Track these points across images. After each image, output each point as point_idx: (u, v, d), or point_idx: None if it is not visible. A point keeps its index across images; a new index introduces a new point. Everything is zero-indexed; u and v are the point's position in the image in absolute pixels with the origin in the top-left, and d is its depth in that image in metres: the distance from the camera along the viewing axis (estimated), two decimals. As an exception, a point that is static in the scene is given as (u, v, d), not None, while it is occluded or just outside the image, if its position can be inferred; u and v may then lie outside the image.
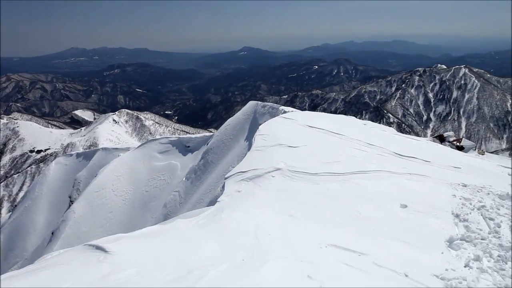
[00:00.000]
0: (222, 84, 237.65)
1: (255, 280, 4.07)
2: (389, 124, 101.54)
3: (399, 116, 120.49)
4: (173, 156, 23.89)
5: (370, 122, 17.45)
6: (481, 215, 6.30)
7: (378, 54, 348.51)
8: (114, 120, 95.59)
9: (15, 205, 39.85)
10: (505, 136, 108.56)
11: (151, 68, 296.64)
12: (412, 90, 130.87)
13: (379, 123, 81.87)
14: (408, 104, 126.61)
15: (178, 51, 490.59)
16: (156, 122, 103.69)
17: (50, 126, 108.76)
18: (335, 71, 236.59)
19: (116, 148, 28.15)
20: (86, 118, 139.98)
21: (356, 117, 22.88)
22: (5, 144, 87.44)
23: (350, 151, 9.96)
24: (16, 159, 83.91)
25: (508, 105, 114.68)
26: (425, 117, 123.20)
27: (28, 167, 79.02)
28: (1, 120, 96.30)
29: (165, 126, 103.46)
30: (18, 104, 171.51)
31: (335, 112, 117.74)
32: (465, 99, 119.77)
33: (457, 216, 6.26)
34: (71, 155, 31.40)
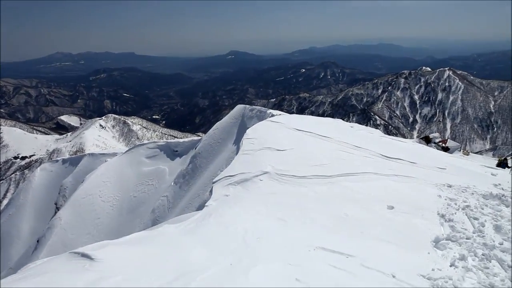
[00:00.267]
0: (209, 88, 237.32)
1: (243, 284, 4.06)
2: (376, 126, 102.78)
3: (386, 118, 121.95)
4: (161, 161, 23.72)
5: (357, 124, 17.63)
6: (466, 214, 6.40)
7: (364, 57, 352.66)
8: (100, 125, 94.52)
9: (-1, 213, 38.97)
10: (488, 136, 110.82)
11: (138, 72, 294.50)
12: (398, 93, 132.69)
13: (366, 125, 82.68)
14: (395, 106, 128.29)
15: (165, 55, 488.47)
16: (144, 127, 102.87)
17: (35, 132, 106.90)
18: (322, 74, 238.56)
19: (103, 154, 27.84)
20: (72, 124, 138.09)
21: (343, 119, 23.06)
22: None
23: (337, 154, 10.03)
24: (0, 166, 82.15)
25: (491, 106, 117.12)
26: (411, 119, 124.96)
27: (12, 174, 77.43)
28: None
29: (153, 130, 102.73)
30: (2, 110, 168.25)
31: (322, 115, 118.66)
32: (449, 101, 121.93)
33: (442, 216, 6.35)
34: (57, 161, 30.93)
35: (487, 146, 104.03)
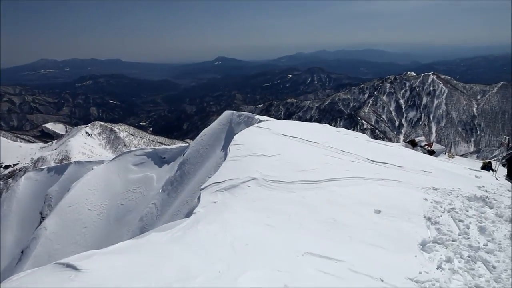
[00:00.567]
0: (197, 94, 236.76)
1: (232, 292, 4.03)
2: (363, 130, 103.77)
3: (373, 123, 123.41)
4: (148, 168, 23.51)
5: (343, 129, 17.79)
6: (451, 217, 6.51)
7: (350, 63, 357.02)
8: (87, 132, 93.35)
9: (-18, 224, 38.02)
10: (472, 139, 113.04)
11: (124, 79, 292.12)
12: (384, 97, 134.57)
13: (354, 129, 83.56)
14: (381, 110, 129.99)
15: (151, 62, 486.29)
16: (131, 134, 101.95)
17: (19, 140, 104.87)
18: (309, 79, 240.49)
19: (90, 161, 27.47)
20: (58, 131, 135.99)
21: (330, 124, 23.26)
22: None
23: (324, 159, 10.09)
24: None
25: (474, 109, 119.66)
26: (397, 123, 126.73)
27: (-5, 183, 75.68)
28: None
29: (140, 137, 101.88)
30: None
31: (310, 120, 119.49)
32: (434, 105, 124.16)
33: (429, 219, 6.43)
34: (42, 169, 30.39)
35: (471, 149, 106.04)
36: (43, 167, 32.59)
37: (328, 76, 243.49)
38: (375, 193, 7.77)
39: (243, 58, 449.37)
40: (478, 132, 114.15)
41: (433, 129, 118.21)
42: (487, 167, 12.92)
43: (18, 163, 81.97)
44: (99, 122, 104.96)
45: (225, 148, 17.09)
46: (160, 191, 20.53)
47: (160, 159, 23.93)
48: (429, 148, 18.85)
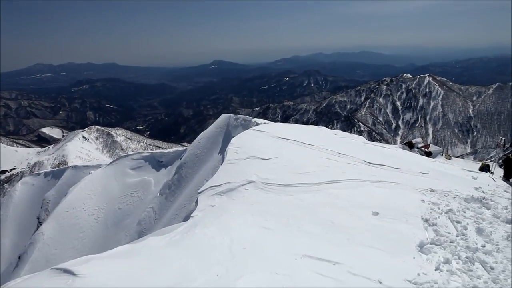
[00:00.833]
0: (194, 98, 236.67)
1: (230, 295, 4.02)
2: (360, 132, 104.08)
3: (369, 125, 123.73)
4: (146, 172, 23.47)
5: (340, 131, 17.82)
6: (449, 218, 6.52)
7: (346, 65, 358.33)
8: (83, 137, 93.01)
9: (-22, 230, 37.77)
10: (469, 140, 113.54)
11: (121, 83, 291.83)
12: (381, 99, 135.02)
13: (351, 132, 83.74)
14: (378, 112, 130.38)
15: (148, 66, 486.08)
16: (128, 138, 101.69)
17: (15, 145, 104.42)
18: (306, 82, 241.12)
19: (87, 166, 27.40)
20: (54, 136, 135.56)
21: (327, 127, 23.31)
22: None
23: (321, 161, 10.10)
24: (-21, 181, 79.81)
25: (470, 111, 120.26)
26: (394, 125, 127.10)
27: (-9, 188, 75.24)
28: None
29: (137, 141, 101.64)
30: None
31: (307, 123, 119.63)
32: (430, 107, 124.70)
33: (426, 220, 6.44)
34: (39, 174, 30.28)
35: (468, 150, 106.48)
36: (40, 171, 32.46)
37: (325, 78, 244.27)
38: (373, 195, 7.78)
39: (239, 61, 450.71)
40: (475, 133, 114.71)
41: (430, 131, 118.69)
42: (485, 169, 12.96)
43: (14, 168, 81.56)
44: (96, 126, 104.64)
45: (223, 151, 17.08)
46: (158, 195, 20.49)
47: (157, 163, 23.90)
48: (426, 149, 18.90)
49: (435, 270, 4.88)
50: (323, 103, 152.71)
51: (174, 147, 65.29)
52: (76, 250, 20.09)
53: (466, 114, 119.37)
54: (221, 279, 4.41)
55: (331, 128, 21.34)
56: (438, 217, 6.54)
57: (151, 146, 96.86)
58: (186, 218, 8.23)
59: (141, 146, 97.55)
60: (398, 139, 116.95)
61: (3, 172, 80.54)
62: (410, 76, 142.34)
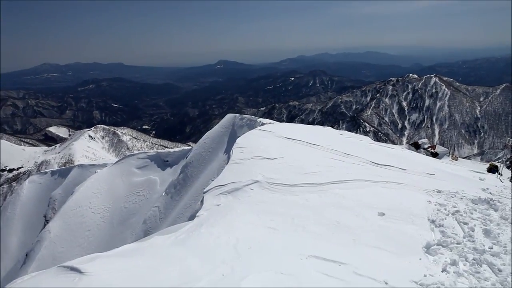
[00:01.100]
0: (199, 98, 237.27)
1: (235, 295, 4.02)
2: (365, 133, 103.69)
3: (375, 125, 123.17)
4: (152, 171, 23.55)
5: (346, 132, 17.76)
6: (456, 220, 6.47)
7: (352, 65, 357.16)
8: (90, 136, 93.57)
9: (-14, 228, 38.14)
10: (476, 141, 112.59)
11: (127, 82, 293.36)
12: (387, 100, 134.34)
13: (356, 132, 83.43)
14: (383, 113, 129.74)
15: (154, 65, 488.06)
16: (134, 137, 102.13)
17: (22, 144, 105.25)
18: (311, 82, 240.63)
19: (93, 165, 27.54)
20: (61, 135, 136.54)
21: (333, 127, 23.22)
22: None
23: (327, 162, 10.07)
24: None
25: (477, 111, 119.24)
26: (400, 125, 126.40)
27: (-1, 187, 75.94)
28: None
29: (143, 141, 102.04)
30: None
31: (312, 123, 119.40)
32: (437, 107, 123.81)
33: (433, 222, 6.39)
34: (46, 173, 30.49)
35: (475, 151, 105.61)
36: (46, 170, 32.71)
37: (330, 78, 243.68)
38: (379, 195, 7.74)
39: (245, 61, 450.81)
40: (482, 134, 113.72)
41: (436, 131, 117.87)
42: (493, 170, 12.84)
43: (22, 167, 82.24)
44: (102, 125, 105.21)
45: (228, 151, 17.11)
46: (163, 194, 20.56)
47: (163, 162, 23.97)
48: (432, 150, 18.78)
49: (442, 271, 4.84)
50: (329, 103, 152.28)
51: (179, 146, 65.48)
52: (83, 248, 20.22)
53: (473, 115, 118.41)
54: (226, 279, 4.41)
55: (337, 129, 21.29)
56: (445, 218, 6.49)
57: (156, 146, 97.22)
58: (191, 218, 8.26)
59: (146, 145, 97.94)
60: (404, 139, 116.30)
61: (11, 170, 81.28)
62: (416, 77, 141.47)
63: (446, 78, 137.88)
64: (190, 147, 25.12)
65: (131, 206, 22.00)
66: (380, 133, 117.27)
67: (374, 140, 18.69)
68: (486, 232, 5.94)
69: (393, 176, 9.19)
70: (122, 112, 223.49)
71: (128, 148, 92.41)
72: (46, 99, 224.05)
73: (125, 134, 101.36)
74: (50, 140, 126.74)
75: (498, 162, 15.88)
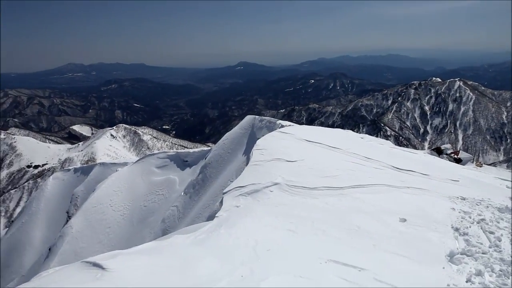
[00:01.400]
0: (219, 99, 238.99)
1: (254, 297, 4.02)
2: (386, 137, 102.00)
3: (396, 129, 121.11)
4: (171, 171, 23.79)
5: (367, 135, 17.50)
6: (481, 228, 6.27)
7: (373, 68, 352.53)
8: (111, 135, 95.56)
9: (12, 221, 39.48)
10: (502, 148, 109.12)
11: (148, 83, 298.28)
12: (408, 103, 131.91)
13: (376, 136, 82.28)
14: (405, 117, 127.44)
15: (175, 66, 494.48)
16: (154, 137, 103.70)
17: (47, 141, 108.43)
18: (332, 85, 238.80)
19: (114, 163, 28.04)
20: (84, 133, 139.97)
21: (353, 130, 22.96)
22: (2, 160, 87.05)
23: (348, 165, 9.96)
24: (13, 175, 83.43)
25: (504, 117, 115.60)
26: (422, 130, 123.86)
27: (25, 182, 78.47)
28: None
29: (163, 140, 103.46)
30: (16, 120, 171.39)
31: (332, 126, 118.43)
32: (461, 112, 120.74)
33: (457, 229, 6.23)
34: (69, 170, 31.23)
35: (501, 158, 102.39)
36: (70, 167, 33.51)
37: (351, 81, 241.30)
38: (400, 201, 7.60)
39: (265, 63, 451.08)
40: (508, 140, 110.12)
41: (460, 137, 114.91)
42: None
43: (46, 163, 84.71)
44: (124, 125, 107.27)
45: (247, 152, 17.15)
46: (182, 193, 20.74)
47: (182, 162, 24.19)
48: (455, 156, 18.30)
49: (466, 282, 4.70)
50: (349, 106, 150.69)
51: (199, 147, 66.07)
52: (103, 244, 20.61)
53: (499, 120, 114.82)
54: (245, 280, 4.41)
55: (357, 132, 21.02)
56: (470, 227, 6.31)
57: (176, 146, 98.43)
58: (209, 218, 8.31)
59: (166, 145, 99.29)
60: (426, 144, 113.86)
61: (36, 167, 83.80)
62: (440, 80, 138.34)
63: (470, 82, 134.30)
64: (209, 148, 25.29)
65: (150, 205, 22.29)
66: (401, 138, 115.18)
67: (395, 145, 18.36)
68: (514, 242, 5.74)
69: (415, 182, 9.01)
70: (143, 112, 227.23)
71: (148, 148, 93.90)
72: (71, 98, 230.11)
73: (146, 134, 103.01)
74: (74, 138, 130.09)
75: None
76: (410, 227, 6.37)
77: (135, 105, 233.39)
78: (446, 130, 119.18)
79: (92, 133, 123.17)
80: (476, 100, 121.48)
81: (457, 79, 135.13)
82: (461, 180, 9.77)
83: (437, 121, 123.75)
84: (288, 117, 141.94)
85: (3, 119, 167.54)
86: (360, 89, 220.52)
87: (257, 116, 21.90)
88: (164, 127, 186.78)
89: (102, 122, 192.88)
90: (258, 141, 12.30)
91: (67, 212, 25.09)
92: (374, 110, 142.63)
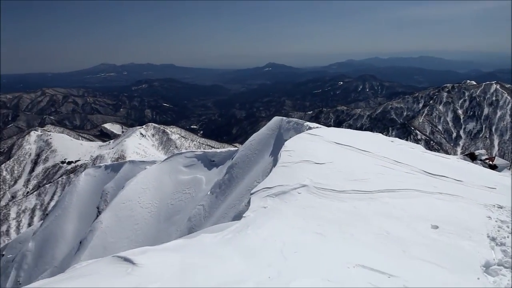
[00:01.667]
0: (247, 100, 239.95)
1: (282, 298, 4.00)
2: (416, 141, 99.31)
3: (427, 133, 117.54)
4: (198, 170, 24.07)
5: (397, 139, 17.08)
6: (520, 239, 6.00)
7: (404, 70, 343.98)
8: (141, 133, 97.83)
9: (47, 214, 41.11)
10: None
11: (177, 83, 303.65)
12: (440, 107, 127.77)
13: (406, 140, 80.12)
14: (437, 121, 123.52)
15: (203, 67, 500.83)
16: (182, 136, 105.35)
17: (80, 139, 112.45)
18: (361, 87, 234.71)
19: (143, 161, 28.66)
20: (115, 131, 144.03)
21: (382, 133, 22.46)
22: (38, 155, 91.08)
23: (377, 169, 9.76)
24: (49, 170, 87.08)
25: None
26: (454, 134, 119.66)
27: (59, 177, 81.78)
28: (36, 132, 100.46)
29: (191, 140, 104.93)
30: (52, 117, 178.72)
31: (360, 129, 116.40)
32: (497, 116, 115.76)
33: (493, 239, 5.97)
34: (100, 166, 32.18)
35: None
36: (101, 164, 34.56)
37: (381, 84, 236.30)
38: (432, 207, 7.37)
39: (293, 64, 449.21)
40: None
41: (495, 142, 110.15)
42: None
43: (79, 160, 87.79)
44: (153, 124, 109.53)
45: (274, 154, 17.12)
46: (209, 193, 20.94)
47: (209, 162, 24.43)
48: (490, 162, 17.57)
49: (503, 293, 4.51)
50: (378, 109, 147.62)
51: (226, 147, 66.58)
52: (130, 240, 21.12)
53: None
54: (273, 281, 4.40)
55: (386, 135, 20.57)
56: (507, 237, 6.02)
57: (203, 145, 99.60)
58: (235, 218, 8.36)
59: (194, 144, 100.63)
60: (459, 149, 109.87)
61: (70, 163, 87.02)
62: (475, 83, 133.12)
63: (508, 85, 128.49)
64: (236, 148, 25.41)
65: (177, 203, 22.64)
66: (432, 142, 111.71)
67: (426, 149, 17.82)
68: (555, 255, 5.45)
69: (448, 188, 8.71)
70: (172, 111, 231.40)
71: (176, 147, 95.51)
72: (103, 97, 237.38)
73: (174, 133, 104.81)
74: (105, 136, 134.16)
75: None
76: (442, 234, 6.17)
77: (164, 104, 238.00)
78: (480, 135, 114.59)
79: (123, 131, 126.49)
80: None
81: (493, 82, 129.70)
82: (497, 188, 9.37)
83: (471, 125, 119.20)
84: (316, 119, 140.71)
85: (40, 117, 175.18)
86: (390, 91, 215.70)
87: (284, 118, 21.81)
88: (192, 126, 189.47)
89: (132, 120, 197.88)
90: (286, 143, 12.25)
91: (98, 208, 25.86)
92: (404, 113, 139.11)
